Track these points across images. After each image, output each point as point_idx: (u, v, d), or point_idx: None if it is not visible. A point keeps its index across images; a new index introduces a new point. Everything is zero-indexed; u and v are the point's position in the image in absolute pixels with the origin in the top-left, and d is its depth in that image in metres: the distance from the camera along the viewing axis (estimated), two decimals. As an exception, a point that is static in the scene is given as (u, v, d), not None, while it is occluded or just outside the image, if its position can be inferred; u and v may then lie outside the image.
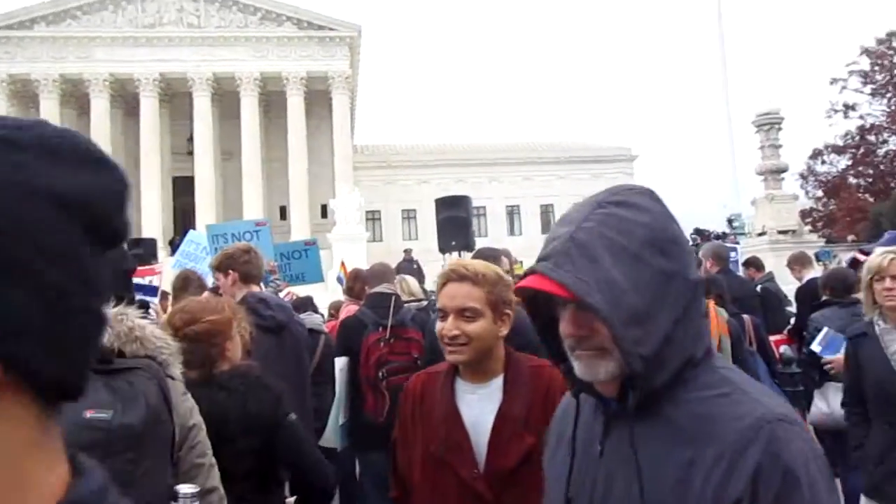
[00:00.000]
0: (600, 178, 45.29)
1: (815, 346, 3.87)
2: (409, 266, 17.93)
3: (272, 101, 38.27)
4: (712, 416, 0.98)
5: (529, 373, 1.91)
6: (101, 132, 35.12)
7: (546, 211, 45.01)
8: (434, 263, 23.12)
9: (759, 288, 6.24)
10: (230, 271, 3.17)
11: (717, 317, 3.22)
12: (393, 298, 3.55)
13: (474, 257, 3.60)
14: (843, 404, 3.32)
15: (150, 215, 33.35)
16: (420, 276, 17.44)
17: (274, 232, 34.22)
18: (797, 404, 4.34)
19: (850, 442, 3.12)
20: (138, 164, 35.60)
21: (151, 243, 10.20)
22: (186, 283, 4.44)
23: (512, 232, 44.21)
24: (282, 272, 6.35)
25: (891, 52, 37.08)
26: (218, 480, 2.09)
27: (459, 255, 7.89)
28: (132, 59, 35.43)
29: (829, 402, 4.10)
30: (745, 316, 4.20)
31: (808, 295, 5.47)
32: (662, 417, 1.02)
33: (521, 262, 26.78)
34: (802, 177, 39.40)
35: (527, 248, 39.90)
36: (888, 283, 2.81)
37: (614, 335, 0.98)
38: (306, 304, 5.10)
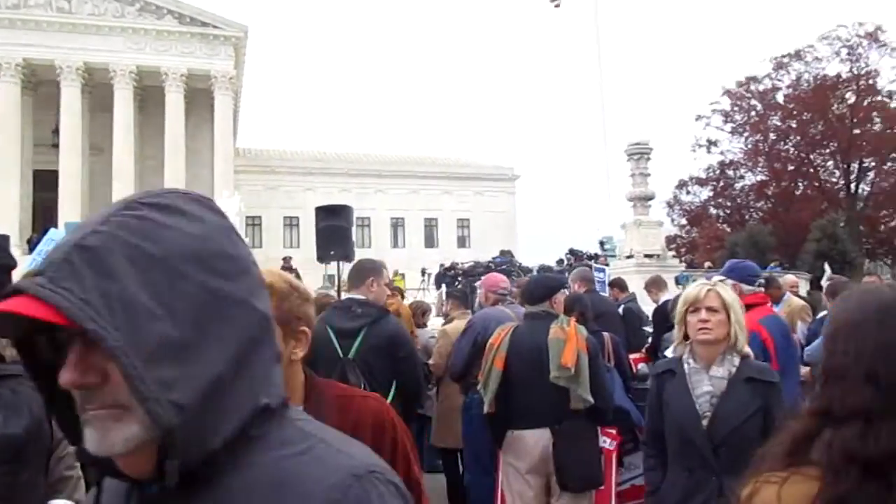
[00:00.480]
0: (483, 195, 46.61)
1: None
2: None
3: (149, 96, 36.36)
4: (292, 480, 0.75)
5: (336, 403, 1.66)
6: (-49, 116, 32.16)
7: (430, 224, 45.59)
8: (315, 273, 22.78)
9: (621, 308, 6.66)
10: None
11: (577, 334, 3.40)
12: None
13: (353, 268, 3.65)
14: (642, 443, 3.29)
15: (5, 210, 30.62)
16: (299, 285, 17.17)
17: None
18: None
19: (646, 486, 2.95)
20: (-8, 153, 32.81)
21: (2, 240, 9.34)
22: None
23: (396, 244, 44.39)
24: None
25: (748, 95, 40.59)
26: (83, 494, 1.96)
27: (339, 265, 7.83)
28: (-8, 41, 32.61)
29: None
30: (605, 333, 4.51)
31: (662, 316, 5.93)
32: (225, 492, 0.76)
33: (403, 275, 26.73)
34: (669, 205, 42.26)
35: (410, 259, 40.31)
36: (703, 314, 2.60)
37: (128, 375, 0.70)
38: None
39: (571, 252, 23.51)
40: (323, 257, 7.69)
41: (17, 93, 33.29)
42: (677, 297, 4.93)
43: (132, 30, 34.65)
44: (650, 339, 6.28)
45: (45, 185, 34.06)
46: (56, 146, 33.61)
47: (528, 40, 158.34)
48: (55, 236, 7.14)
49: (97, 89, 35.02)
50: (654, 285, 6.97)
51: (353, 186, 42.43)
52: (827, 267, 17.78)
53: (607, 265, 15.12)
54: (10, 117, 32.84)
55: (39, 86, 34.89)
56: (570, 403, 3.33)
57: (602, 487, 3.60)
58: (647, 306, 7.36)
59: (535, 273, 15.27)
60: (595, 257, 22.04)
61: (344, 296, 3.69)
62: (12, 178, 32.69)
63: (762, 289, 3.81)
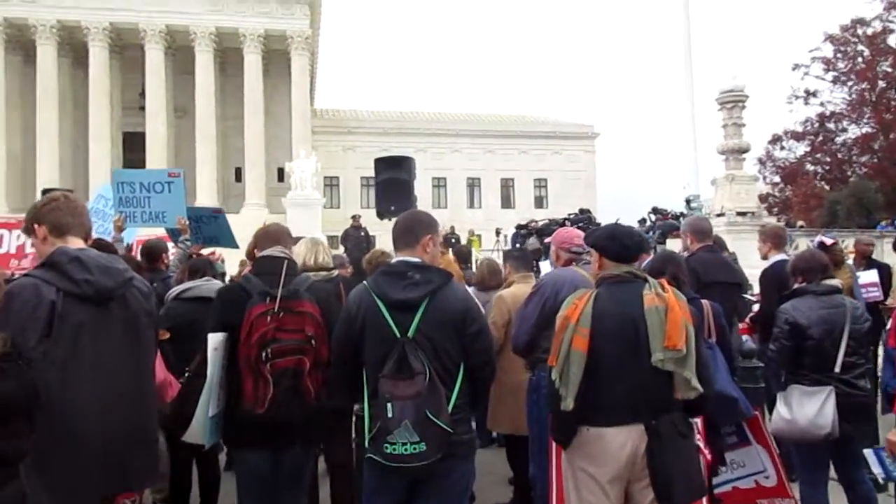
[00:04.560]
0: (561, 154, 45.20)
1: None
2: (357, 233, 17.23)
3: (228, 58, 36.78)
4: None
5: None
6: (48, 81, 33.48)
7: (507, 185, 44.69)
8: (389, 233, 22.52)
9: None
10: (36, 225, 2.48)
11: (679, 302, 2.61)
12: (285, 264, 2.92)
13: (402, 223, 2.93)
14: None
15: (98, 169, 31.77)
16: (367, 243, 16.79)
17: (228, 194, 33.21)
18: (757, 402, 3.87)
19: None
20: (87, 116, 34.04)
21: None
22: None
23: (472, 204, 43.84)
24: (193, 234, 5.68)
25: (854, 40, 37.22)
26: None
27: (398, 222, 7.30)
28: (80, 6, 33.56)
29: (792, 409, 3.60)
30: (704, 301, 3.64)
31: (773, 280, 4.87)
32: None
33: (479, 236, 26.41)
34: (761, 162, 39.59)
35: (486, 220, 39.75)
36: None
37: None
38: (203, 269, 4.24)
39: (655, 210, 22.17)
40: (383, 213, 7.16)
41: (105, 56, 34.29)
42: (800, 255, 4.10)
43: (211, -9, 34.88)
44: (755, 307, 5.35)
45: (133, 147, 35.20)
46: (143, 108, 34.53)
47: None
48: (105, 192, 6.95)
49: (180, 52, 35.70)
50: (772, 237, 5.41)
51: (429, 146, 41.94)
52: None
53: (696, 224, 13.99)
54: (99, 81, 33.93)
55: (125, 49, 35.81)
56: (673, 392, 2.57)
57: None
58: (746, 269, 6.46)
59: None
60: (681, 216, 20.72)
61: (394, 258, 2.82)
62: (104, 139, 33.92)
63: None
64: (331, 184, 40.50)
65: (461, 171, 43.63)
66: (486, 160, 44.00)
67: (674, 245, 13.00)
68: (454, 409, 2.55)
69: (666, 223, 18.77)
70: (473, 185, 44.24)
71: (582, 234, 3.90)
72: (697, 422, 3.17)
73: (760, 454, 3.77)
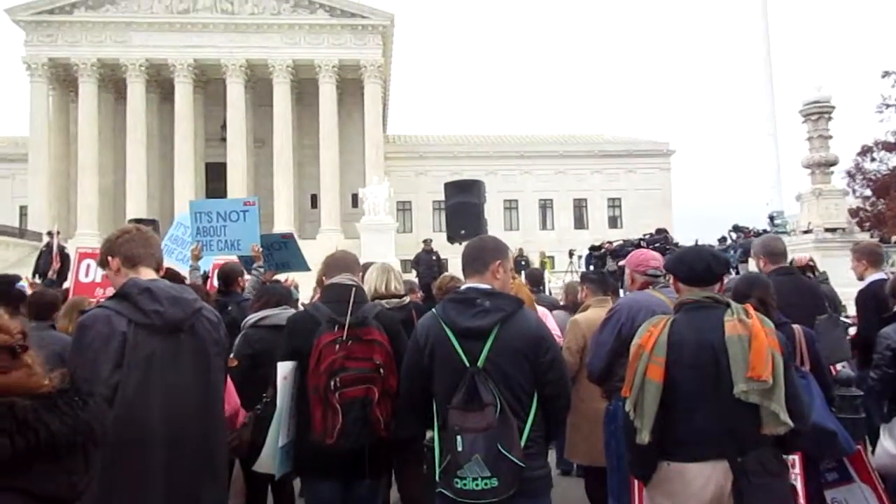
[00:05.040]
0: (636, 173, 44.32)
1: None
2: (428, 257, 17.26)
3: (304, 88, 38.02)
4: None
5: None
6: (137, 117, 35.49)
7: (579, 205, 44.14)
8: (459, 257, 22.49)
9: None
10: (109, 257, 2.54)
11: (765, 329, 2.42)
12: (353, 291, 2.90)
13: (470, 249, 2.85)
14: None
15: (182, 199, 33.29)
16: (438, 267, 16.78)
17: (304, 220, 34.10)
18: (858, 435, 3.56)
19: None
20: (172, 149, 35.83)
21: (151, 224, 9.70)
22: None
23: (544, 226, 43.48)
24: (265, 261, 5.80)
25: (950, 44, 35.16)
26: None
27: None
28: (167, 45, 35.54)
29: (899, 442, 3.32)
30: (795, 326, 3.38)
31: (871, 301, 4.48)
32: None
33: (552, 257, 25.96)
34: (850, 175, 37.67)
35: (559, 241, 39.26)
36: None
37: None
38: (282, 298, 4.33)
39: (736, 228, 21.30)
40: (453, 237, 7.13)
41: (189, 91, 36.09)
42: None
43: (288, 25, 36.32)
44: (852, 331, 4.97)
45: (215, 176, 36.78)
46: (224, 140, 36.08)
47: (678, 2, 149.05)
48: (184, 220, 7.20)
49: (258, 84, 37.20)
50: (868, 255, 5.05)
51: (499, 168, 42.00)
52: None
53: (781, 242, 13.37)
54: (184, 115, 35.73)
55: (208, 84, 37.58)
56: (760, 427, 2.38)
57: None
58: (840, 289, 6.08)
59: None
60: (763, 234, 19.84)
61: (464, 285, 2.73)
62: (188, 170, 35.60)
63: None
64: (403, 208, 41.05)
65: (532, 192, 43.40)
66: (558, 181, 43.64)
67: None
68: (527, 443, 2.44)
69: (748, 241, 18.01)
70: (545, 206, 43.91)
71: (658, 255, 3.73)
72: (795, 458, 2.94)
73: (865, 492, 3.46)
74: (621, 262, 7.39)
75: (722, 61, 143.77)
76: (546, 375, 2.53)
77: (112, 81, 36.96)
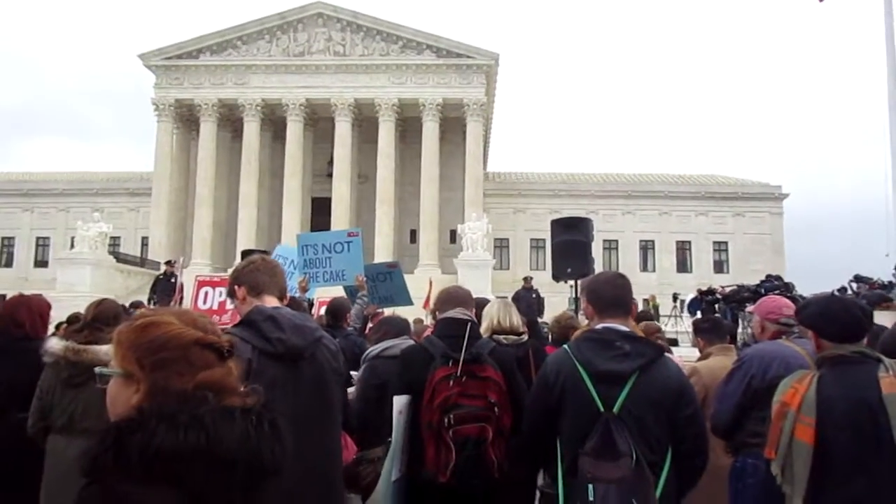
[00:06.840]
0: (744, 216, 42.49)
1: None
2: (528, 295, 17.11)
3: (408, 126, 39.07)
4: None
5: None
6: (251, 154, 37.59)
7: (682, 248, 42.68)
8: (561, 295, 22.13)
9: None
10: (237, 286, 2.61)
11: None
12: (468, 327, 2.85)
13: (607, 285, 2.72)
14: None
15: (290, 232, 34.72)
16: (538, 306, 16.56)
17: (403, 255, 34.73)
18: None
19: None
20: (281, 184, 37.57)
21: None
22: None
23: (645, 267, 42.25)
24: (370, 294, 5.86)
25: None
26: None
27: (575, 284, 7.07)
28: (281, 86, 37.55)
29: None
30: None
31: None
32: None
33: (654, 297, 24.95)
34: None
35: (661, 284, 38.01)
36: None
37: None
38: (404, 329, 4.26)
39: (858, 279, 19.87)
40: (559, 275, 6.98)
41: (300, 129, 37.88)
42: None
43: (395, 66, 37.62)
44: None
45: (320, 210, 38.16)
46: (330, 175, 37.49)
47: (790, 41, 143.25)
48: (283, 252, 7.42)
49: (364, 122, 38.56)
50: None
51: (600, 208, 41.34)
52: None
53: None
54: (294, 152, 37.48)
55: (318, 122, 39.32)
56: None
57: None
58: None
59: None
60: (890, 286, 18.38)
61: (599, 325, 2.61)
62: (295, 204, 37.16)
63: None
64: (500, 245, 41.04)
65: (633, 233, 42.40)
66: (661, 222, 42.45)
67: (883, 318, 11.53)
68: (660, 500, 2.28)
69: (873, 293, 16.76)
70: (647, 247, 42.74)
71: (790, 303, 3.48)
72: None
73: None
74: (749, 309, 6.99)
75: (842, 98, 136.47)
76: (685, 430, 2.39)
77: (229, 121, 39.34)
